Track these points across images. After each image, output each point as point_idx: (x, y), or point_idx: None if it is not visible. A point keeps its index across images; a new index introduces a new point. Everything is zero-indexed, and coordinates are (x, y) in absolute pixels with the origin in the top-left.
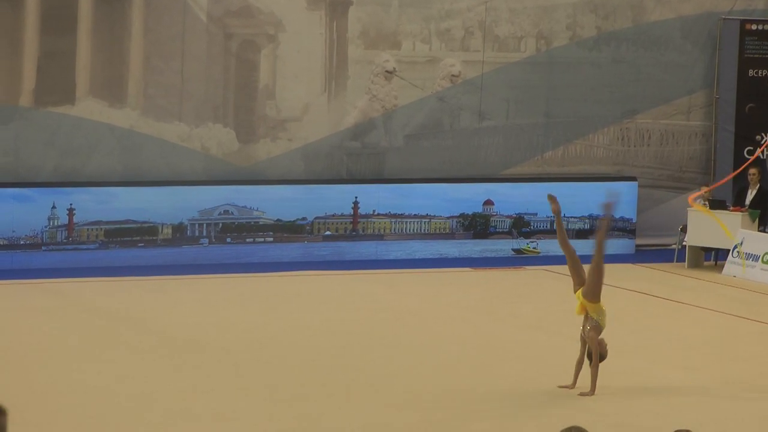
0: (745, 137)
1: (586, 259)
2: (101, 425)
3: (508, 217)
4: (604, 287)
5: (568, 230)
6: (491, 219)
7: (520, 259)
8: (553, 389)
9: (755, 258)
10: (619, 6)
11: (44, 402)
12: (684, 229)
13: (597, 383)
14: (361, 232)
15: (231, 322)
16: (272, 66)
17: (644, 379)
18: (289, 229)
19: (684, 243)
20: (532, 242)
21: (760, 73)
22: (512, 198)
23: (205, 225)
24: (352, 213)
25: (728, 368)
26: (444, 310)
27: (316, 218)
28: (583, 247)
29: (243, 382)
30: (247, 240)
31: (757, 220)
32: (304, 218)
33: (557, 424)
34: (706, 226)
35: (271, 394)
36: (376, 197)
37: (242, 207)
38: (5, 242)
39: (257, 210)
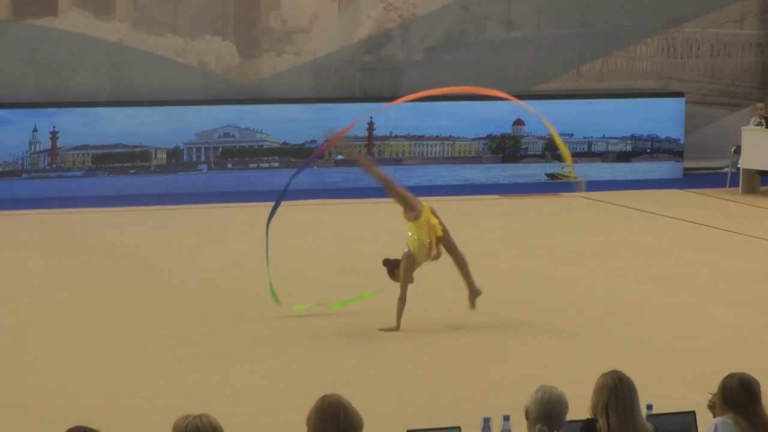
0: None
1: (632, 185)
2: (87, 370)
3: (540, 138)
4: (648, 215)
5: (608, 152)
6: (522, 141)
7: (554, 185)
8: (587, 330)
9: None
10: None
11: (27, 343)
12: (738, 151)
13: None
14: (377, 156)
15: (232, 256)
16: None
17: (693, 318)
18: (296, 153)
19: (738, 166)
20: (568, 166)
21: None
22: (545, 117)
23: (203, 149)
24: (366, 135)
25: None
26: (469, 242)
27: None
28: (623, 171)
29: (246, 322)
30: (250, 165)
31: None
32: (313, 141)
33: (594, 369)
34: (764, 146)
35: (278, 335)
36: (393, 117)
37: (244, 129)
38: None
39: (261, 132)
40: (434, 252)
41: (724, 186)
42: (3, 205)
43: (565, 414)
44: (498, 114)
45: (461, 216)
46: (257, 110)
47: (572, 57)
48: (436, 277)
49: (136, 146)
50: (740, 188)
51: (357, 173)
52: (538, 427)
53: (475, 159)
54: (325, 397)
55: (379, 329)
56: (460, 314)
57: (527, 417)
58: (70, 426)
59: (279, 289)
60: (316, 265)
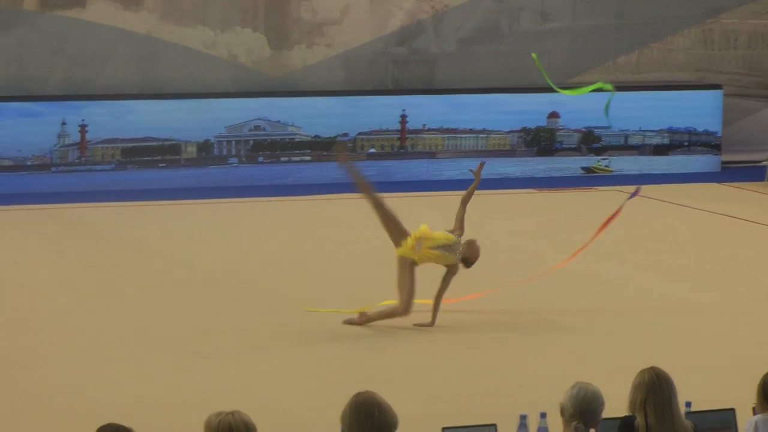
0: None
1: (669, 179)
2: (113, 366)
3: (576, 131)
4: (684, 209)
5: (644, 145)
6: (557, 133)
7: (589, 179)
8: (624, 325)
9: None
10: None
11: (53, 339)
12: None
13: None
14: (409, 149)
15: (263, 251)
16: None
17: (731, 314)
18: (328, 147)
19: None
20: (604, 159)
21: None
22: (581, 109)
23: (233, 142)
24: (399, 128)
25: None
26: (503, 237)
27: (359, 134)
28: (660, 164)
29: (278, 318)
30: (282, 159)
31: None
32: (345, 134)
33: (630, 366)
34: None
35: (311, 331)
36: (426, 110)
37: (275, 122)
38: (10, 163)
39: (292, 125)
40: (451, 241)
41: (763, 179)
42: (32, 199)
43: (601, 411)
44: (532, 107)
45: (496, 210)
46: (288, 103)
47: (607, 49)
48: (471, 273)
49: (165, 139)
50: None
51: (390, 167)
52: (573, 424)
53: (510, 152)
54: (359, 394)
55: (414, 324)
56: (496, 310)
57: (563, 414)
58: (101, 424)
59: (313, 284)
60: (353, 259)
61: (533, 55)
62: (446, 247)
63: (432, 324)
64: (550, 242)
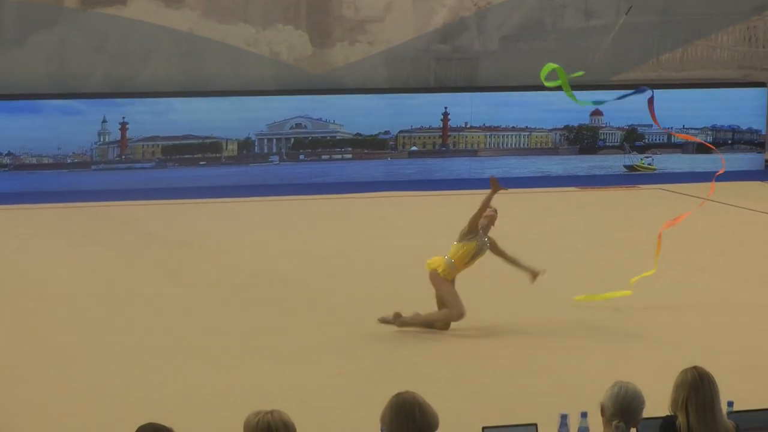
0: None
1: (701, 176)
2: (154, 366)
3: (619, 129)
4: (728, 207)
5: (687, 143)
6: (600, 131)
7: (632, 177)
8: (666, 324)
9: None
10: None
11: (94, 339)
12: None
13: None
14: (451, 147)
15: (304, 250)
16: None
17: None
18: (370, 145)
19: None
20: (647, 158)
21: None
22: (624, 107)
23: (275, 140)
24: (441, 126)
25: None
26: (546, 236)
27: (401, 132)
28: (706, 162)
29: (319, 317)
30: (323, 157)
31: None
32: (386, 132)
33: (672, 365)
34: None
35: (351, 331)
36: (468, 108)
37: (317, 120)
38: (51, 161)
39: (334, 123)
40: (472, 249)
41: None
42: (72, 197)
43: (641, 410)
44: (575, 105)
45: (538, 209)
46: (330, 101)
47: (651, 46)
48: (515, 275)
49: (206, 137)
50: None
51: (432, 165)
52: (614, 423)
53: (552, 150)
54: (399, 394)
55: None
56: (537, 309)
57: (603, 413)
58: (141, 423)
59: (356, 280)
60: (396, 257)
61: (551, 66)
62: (475, 255)
63: (536, 272)
64: (597, 240)
